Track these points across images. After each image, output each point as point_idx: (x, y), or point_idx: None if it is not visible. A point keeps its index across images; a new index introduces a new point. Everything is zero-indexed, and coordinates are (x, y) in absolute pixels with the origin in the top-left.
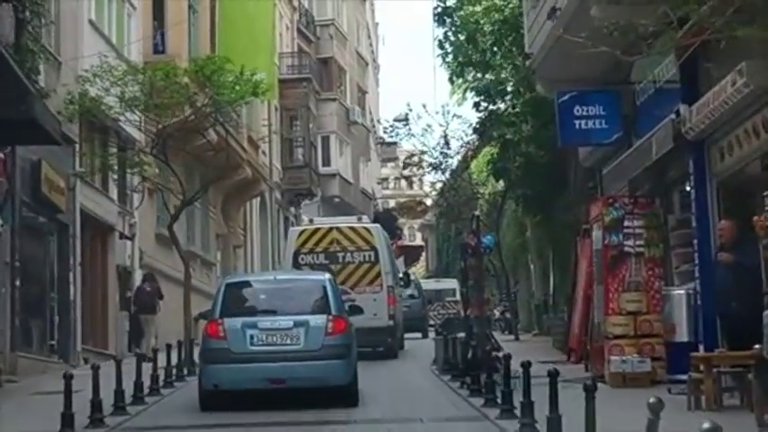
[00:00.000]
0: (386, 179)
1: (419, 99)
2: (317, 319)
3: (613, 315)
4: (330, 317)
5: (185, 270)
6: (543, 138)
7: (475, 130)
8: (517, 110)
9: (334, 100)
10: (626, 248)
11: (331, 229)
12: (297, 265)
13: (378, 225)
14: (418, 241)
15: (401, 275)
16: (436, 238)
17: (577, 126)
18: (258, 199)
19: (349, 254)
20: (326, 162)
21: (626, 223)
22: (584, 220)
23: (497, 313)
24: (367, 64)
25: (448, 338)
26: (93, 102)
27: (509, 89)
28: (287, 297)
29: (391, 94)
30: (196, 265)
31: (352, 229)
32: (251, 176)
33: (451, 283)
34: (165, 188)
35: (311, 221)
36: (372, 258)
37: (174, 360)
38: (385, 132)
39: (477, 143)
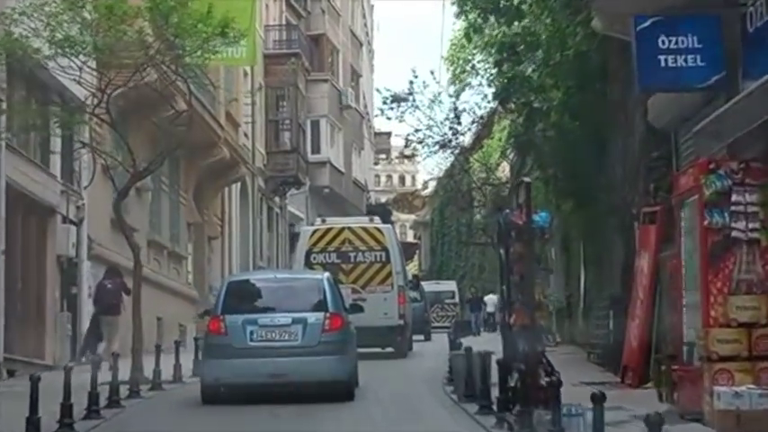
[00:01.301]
0: (377, 176)
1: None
2: (315, 317)
3: (717, 327)
4: (327, 314)
5: (134, 259)
6: (576, 104)
7: (495, 96)
8: (549, 70)
9: (325, 81)
10: (734, 233)
11: (343, 229)
12: (309, 265)
13: (389, 226)
14: (409, 239)
15: (410, 278)
16: (430, 236)
17: (662, 63)
18: (238, 186)
19: (360, 253)
20: (316, 149)
21: (734, 198)
22: (638, 203)
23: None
24: (361, 44)
25: (473, 355)
26: (17, 43)
27: (541, 42)
28: (286, 295)
29: (386, 83)
30: (162, 258)
31: (364, 229)
32: (228, 158)
33: (450, 285)
34: (110, 156)
35: (324, 221)
36: (383, 258)
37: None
38: (385, 104)
39: (495, 114)
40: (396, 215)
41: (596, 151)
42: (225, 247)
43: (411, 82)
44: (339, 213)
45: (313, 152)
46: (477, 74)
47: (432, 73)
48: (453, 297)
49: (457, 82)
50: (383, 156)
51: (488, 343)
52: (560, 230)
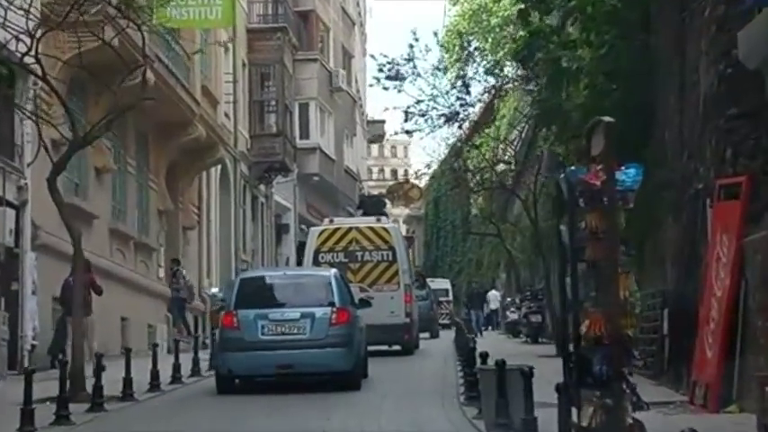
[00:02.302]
0: (369, 170)
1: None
2: (322, 311)
3: None
4: (334, 309)
5: (74, 248)
6: (616, 59)
7: (515, 55)
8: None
9: (314, 60)
10: None
11: (350, 228)
12: (317, 264)
13: (396, 225)
14: (402, 234)
15: (416, 278)
16: (425, 231)
17: None
18: (218, 171)
19: (368, 253)
20: (305, 134)
21: None
22: (704, 175)
23: (515, 315)
24: (353, 24)
25: (510, 373)
26: None
27: None
28: (295, 291)
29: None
30: (128, 250)
31: (371, 228)
32: (205, 137)
33: (444, 283)
34: (49, 123)
35: (331, 221)
36: (390, 258)
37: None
38: (381, 71)
39: (514, 81)
40: (388, 209)
41: (640, 116)
42: (203, 239)
43: (411, 46)
44: (329, 203)
45: (301, 137)
46: (475, 61)
47: (435, 35)
48: (447, 295)
49: (465, 43)
50: (376, 144)
51: (495, 346)
52: None
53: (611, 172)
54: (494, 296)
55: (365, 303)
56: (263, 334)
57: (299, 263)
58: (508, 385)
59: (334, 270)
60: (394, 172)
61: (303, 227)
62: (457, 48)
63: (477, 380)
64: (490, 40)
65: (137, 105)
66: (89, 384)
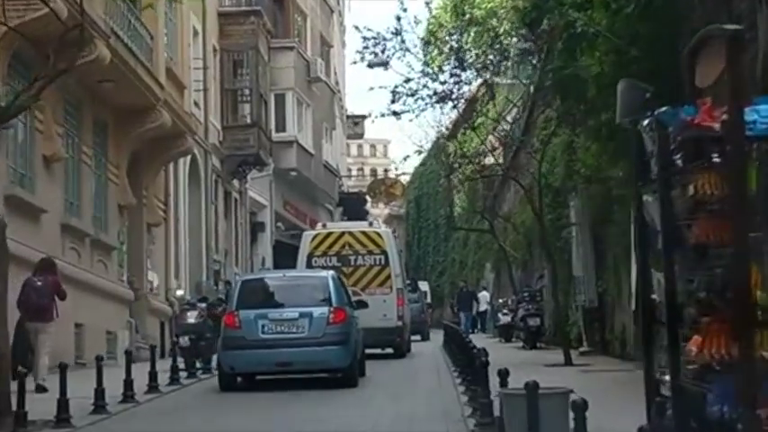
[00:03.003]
0: (348, 169)
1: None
2: (320, 311)
3: None
4: (331, 308)
5: None
6: (636, 23)
7: (523, 17)
8: None
9: (291, 49)
10: None
11: (343, 233)
12: (310, 268)
13: (388, 230)
14: None
15: (408, 281)
16: (406, 230)
17: None
18: (186, 163)
19: (360, 257)
20: (281, 126)
21: None
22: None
23: (508, 317)
24: (332, 11)
25: (552, 401)
26: None
27: None
28: (294, 291)
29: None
30: (83, 248)
31: (364, 233)
32: (170, 125)
33: (422, 286)
34: None
35: (324, 225)
36: (383, 262)
37: None
38: (366, 47)
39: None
40: (369, 207)
41: (666, 85)
42: (170, 237)
43: (398, 18)
44: (307, 200)
45: (278, 130)
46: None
47: (427, 4)
48: (426, 297)
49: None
50: (356, 143)
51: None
52: (596, 202)
53: (737, 108)
54: (484, 297)
55: (362, 305)
56: (263, 333)
57: (277, 265)
58: (544, 418)
59: (331, 272)
60: (374, 171)
61: (279, 225)
62: (449, 18)
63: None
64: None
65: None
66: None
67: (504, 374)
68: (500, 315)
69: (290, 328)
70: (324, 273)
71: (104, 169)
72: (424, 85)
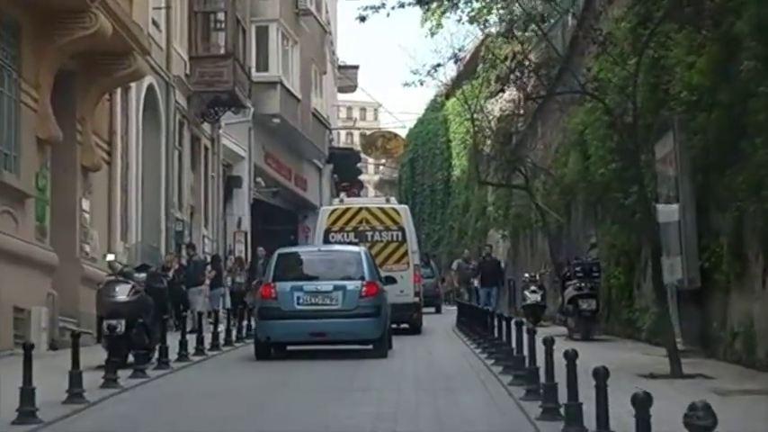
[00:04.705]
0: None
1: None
2: (353, 284)
3: None
4: (364, 282)
5: None
6: None
7: None
8: None
9: None
10: None
11: (360, 209)
12: (327, 243)
13: (406, 206)
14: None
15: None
16: (398, 196)
17: None
18: (140, 98)
19: (377, 233)
20: (263, 65)
21: None
22: None
23: (536, 296)
24: None
25: None
26: None
27: None
28: (328, 265)
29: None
30: None
31: (381, 209)
32: (110, 36)
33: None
34: None
35: (342, 201)
36: (400, 238)
37: None
38: None
39: None
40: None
41: None
42: (115, 187)
43: None
44: (293, 152)
45: (259, 69)
46: None
47: None
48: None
49: None
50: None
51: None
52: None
53: None
54: (459, 266)
55: (391, 280)
56: (298, 304)
57: (254, 227)
58: None
59: (363, 247)
60: (363, 111)
61: (259, 180)
62: None
63: None
64: None
65: None
66: None
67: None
68: (526, 293)
69: (325, 300)
70: (357, 248)
71: (16, 89)
72: None
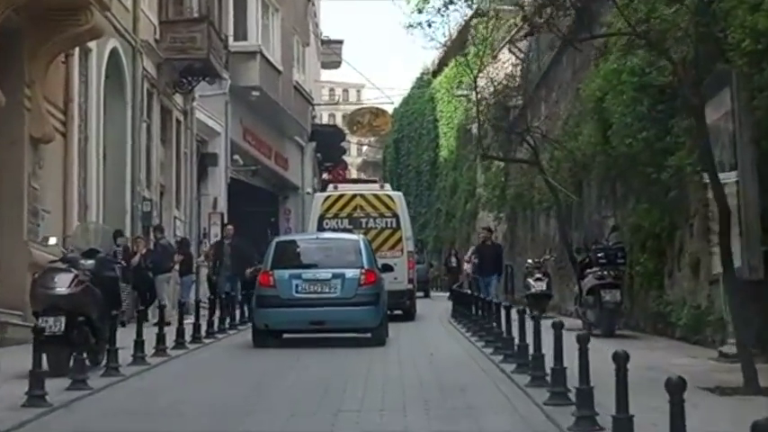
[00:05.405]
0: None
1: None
2: (352, 272)
3: None
4: (363, 270)
5: None
6: None
7: None
8: None
9: None
10: None
11: (355, 195)
12: (321, 230)
13: (400, 193)
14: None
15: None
16: (382, 178)
17: None
18: (102, 63)
19: (372, 219)
20: (241, 34)
21: None
22: None
23: (542, 284)
24: None
25: None
26: None
27: None
28: (327, 253)
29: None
30: None
31: (376, 196)
32: None
33: None
34: None
35: (335, 188)
36: (394, 225)
37: None
38: None
39: None
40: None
41: None
42: (72, 162)
43: None
44: (273, 129)
45: (237, 38)
46: None
47: None
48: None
49: None
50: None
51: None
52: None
53: None
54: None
55: (387, 268)
56: (297, 292)
57: (231, 208)
58: None
59: (362, 235)
60: (346, 92)
61: (237, 158)
62: None
63: None
64: None
65: None
66: None
67: None
68: (530, 281)
69: (323, 288)
70: (355, 236)
71: None
72: None
